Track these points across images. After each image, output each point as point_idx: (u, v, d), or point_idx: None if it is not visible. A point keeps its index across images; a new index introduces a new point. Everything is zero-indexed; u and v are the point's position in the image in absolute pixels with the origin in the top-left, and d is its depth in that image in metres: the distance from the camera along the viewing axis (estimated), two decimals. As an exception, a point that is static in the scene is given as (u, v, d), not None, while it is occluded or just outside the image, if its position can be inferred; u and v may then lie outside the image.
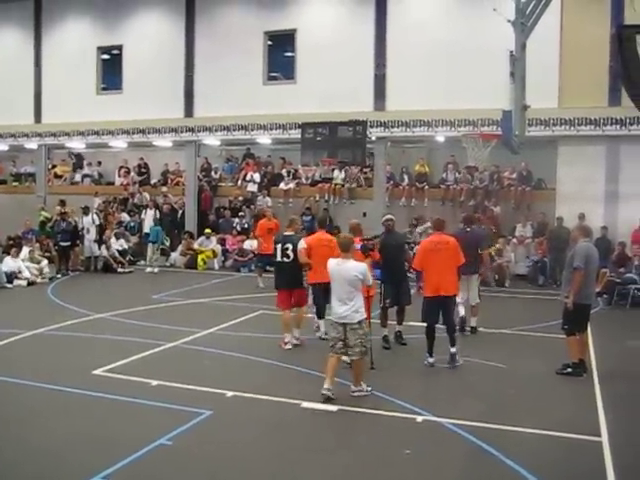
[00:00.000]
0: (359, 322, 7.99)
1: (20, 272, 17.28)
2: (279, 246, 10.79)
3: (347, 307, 7.95)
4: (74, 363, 9.65)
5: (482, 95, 17.32)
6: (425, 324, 9.87)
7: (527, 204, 19.97)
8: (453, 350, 9.75)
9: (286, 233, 11.08)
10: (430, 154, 22.23)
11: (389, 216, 11.41)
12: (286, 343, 10.62)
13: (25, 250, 18.22)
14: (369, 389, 8.28)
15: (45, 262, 18.56)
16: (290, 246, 10.65)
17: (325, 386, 7.97)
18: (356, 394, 8.18)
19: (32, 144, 25.18)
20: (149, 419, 7.42)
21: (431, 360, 9.71)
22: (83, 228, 20.09)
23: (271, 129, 21.27)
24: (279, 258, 10.79)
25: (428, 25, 19.54)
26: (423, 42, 19.31)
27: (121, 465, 6.01)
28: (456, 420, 7.30)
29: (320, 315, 11.16)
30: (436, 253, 9.87)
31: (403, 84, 19.57)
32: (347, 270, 8.00)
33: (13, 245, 18.82)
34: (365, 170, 21.87)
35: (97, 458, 6.17)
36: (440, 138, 20.28)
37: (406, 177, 21.37)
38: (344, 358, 8.43)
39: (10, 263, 17.39)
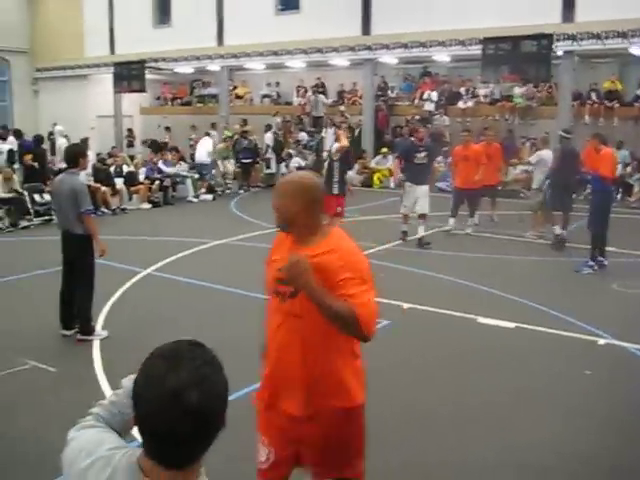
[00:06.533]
0: None
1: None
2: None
3: None
4: (255, 271, 10.10)
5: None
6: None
7: None
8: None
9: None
10: (623, 70, 20.60)
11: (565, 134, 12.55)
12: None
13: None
14: None
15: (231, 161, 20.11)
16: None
17: None
18: None
19: (215, 66, 26.10)
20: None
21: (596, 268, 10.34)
22: (267, 145, 20.95)
23: (450, 45, 20.56)
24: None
25: None
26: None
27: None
28: (642, 345, 6.98)
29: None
30: None
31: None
32: None
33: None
34: (549, 89, 20.75)
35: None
36: (636, 51, 18.67)
37: (594, 95, 20.04)
38: None
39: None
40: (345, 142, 11.78)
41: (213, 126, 22.39)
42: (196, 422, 1.55)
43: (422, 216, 12.18)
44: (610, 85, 19.94)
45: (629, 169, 18.19)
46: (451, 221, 13.39)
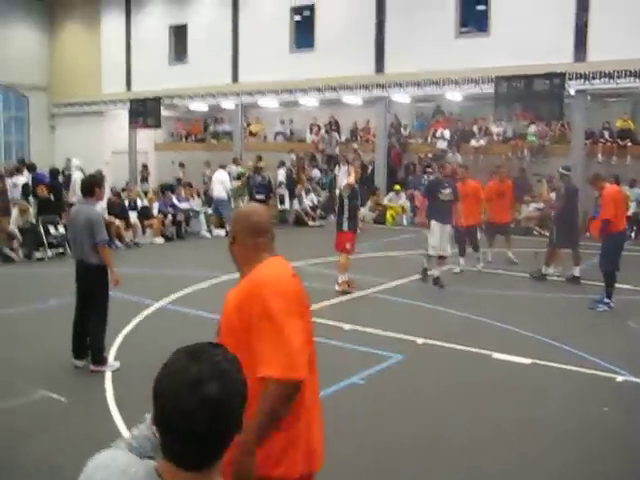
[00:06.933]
0: None
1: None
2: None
3: None
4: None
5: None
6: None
7: None
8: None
9: None
10: (635, 108, 20.65)
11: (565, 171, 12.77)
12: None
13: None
14: None
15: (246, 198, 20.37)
16: None
17: None
18: None
19: (230, 103, 26.37)
20: (342, 359, 7.63)
21: (612, 305, 10.07)
22: (280, 182, 21.13)
23: (463, 84, 20.71)
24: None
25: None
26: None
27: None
28: (662, 382, 6.87)
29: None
30: None
31: (607, 30, 17.99)
32: None
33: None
34: (562, 128, 20.81)
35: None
36: (647, 90, 18.73)
37: (606, 133, 20.08)
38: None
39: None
40: (352, 179, 11.48)
41: (235, 161, 22.52)
42: (214, 414, 1.56)
43: (442, 258, 11.83)
44: (623, 124, 19.97)
45: (643, 207, 18.14)
46: (461, 260, 13.23)
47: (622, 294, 10.44)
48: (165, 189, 19.85)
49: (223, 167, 20.18)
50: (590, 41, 18.79)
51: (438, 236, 11.68)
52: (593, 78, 18.46)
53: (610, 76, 18.18)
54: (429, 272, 12.04)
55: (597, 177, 11.10)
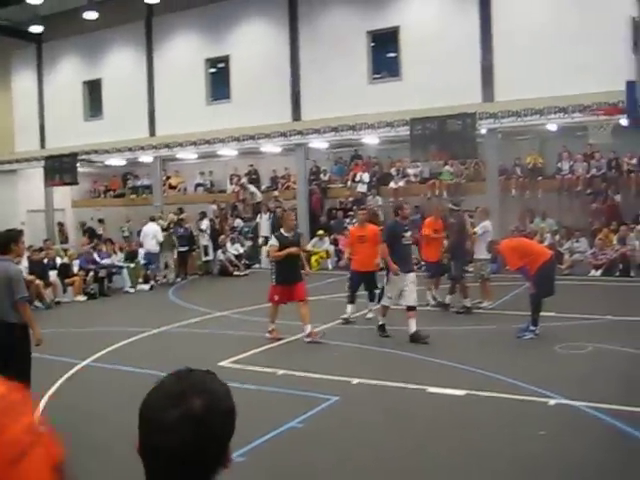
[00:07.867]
0: None
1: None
2: None
3: None
4: (200, 355, 9.90)
5: (597, 76, 16.64)
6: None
7: (650, 191, 19.02)
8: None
9: None
10: (543, 144, 21.54)
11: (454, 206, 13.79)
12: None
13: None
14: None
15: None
16: None
17: None
18: None
19: (148, 157, 26.13)
20: (278, 404, 7.54)
21: (538, 332, 10.26)
22: (201, 232, 20.87)
23: (379, 127, 21.15)
24: None
25: (534, 7, 19.04)
26: (530, 25, 18.73)
27: (255, 445, 6.11)
28: (592, 403, 7.00)
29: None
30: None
31: (512, 72, 18.98)
32: None
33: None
34: (476, 166, 21.45)
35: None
36: (553, 127, 19.60)
37: (518, 169, 20.84)
38: None
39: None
40: (277, 254, 10.89)
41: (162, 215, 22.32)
42: (196, 432, 1.50)
43: (412, 308, 10.48)
44: (532, 159, 20.78)
45: (558, 237, 18.75)
46: (349, 308, 12.22)
47: (547, 321, 10.69)
48: (91, 234, 19.41)
49: (153, 220, 19.78)
50: (496, 82, 19.64)
51: (398, 286, 10.50)
52: (502, 117, 19.16)
53: (517, 115, 18.91)
54: (380, 322, 10.92)
55: (490, 243, 12.00)
